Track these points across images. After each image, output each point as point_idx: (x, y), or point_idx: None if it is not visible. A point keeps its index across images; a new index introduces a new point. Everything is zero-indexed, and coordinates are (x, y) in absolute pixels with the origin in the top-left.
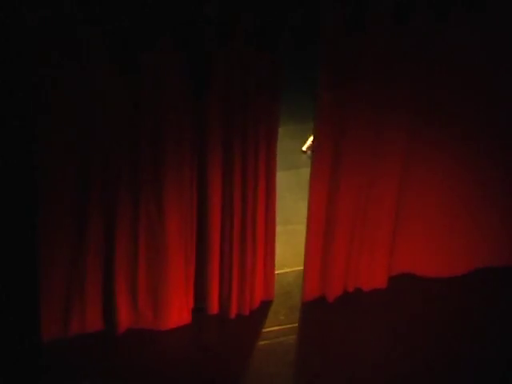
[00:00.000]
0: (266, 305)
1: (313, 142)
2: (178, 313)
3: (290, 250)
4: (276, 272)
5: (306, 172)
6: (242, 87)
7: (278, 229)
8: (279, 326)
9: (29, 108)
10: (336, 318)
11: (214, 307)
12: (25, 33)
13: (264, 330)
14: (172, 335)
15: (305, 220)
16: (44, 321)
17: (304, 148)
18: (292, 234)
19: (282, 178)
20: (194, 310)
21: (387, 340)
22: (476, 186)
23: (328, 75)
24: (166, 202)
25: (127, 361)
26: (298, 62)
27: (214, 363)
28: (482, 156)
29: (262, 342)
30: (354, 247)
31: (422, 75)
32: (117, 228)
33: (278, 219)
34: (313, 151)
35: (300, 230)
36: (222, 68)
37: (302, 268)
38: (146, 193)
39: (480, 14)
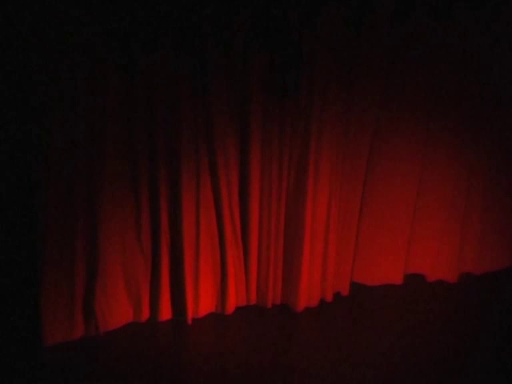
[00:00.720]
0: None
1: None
2: (237, 295)
3: None
4: None
5: None
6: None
7: None
8: None
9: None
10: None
11: (252, 297)
12: (25, 34)
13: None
14: (169, 333)
15: None
16: (118, 310)
17: None
18: None
19: None
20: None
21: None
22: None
23: (312, 75)
24: (220, 189)
25: (130, 360)
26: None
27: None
28: (431, 172)
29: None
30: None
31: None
32: (182, 220)
33: None
34: None
35: None
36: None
37: None
38: (204, 178)
39: (480, 13)
